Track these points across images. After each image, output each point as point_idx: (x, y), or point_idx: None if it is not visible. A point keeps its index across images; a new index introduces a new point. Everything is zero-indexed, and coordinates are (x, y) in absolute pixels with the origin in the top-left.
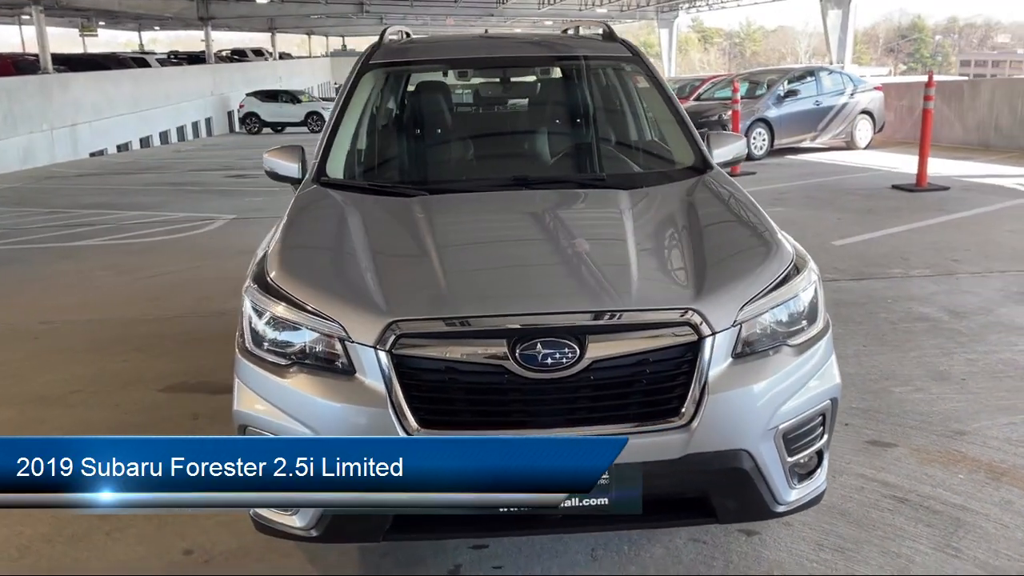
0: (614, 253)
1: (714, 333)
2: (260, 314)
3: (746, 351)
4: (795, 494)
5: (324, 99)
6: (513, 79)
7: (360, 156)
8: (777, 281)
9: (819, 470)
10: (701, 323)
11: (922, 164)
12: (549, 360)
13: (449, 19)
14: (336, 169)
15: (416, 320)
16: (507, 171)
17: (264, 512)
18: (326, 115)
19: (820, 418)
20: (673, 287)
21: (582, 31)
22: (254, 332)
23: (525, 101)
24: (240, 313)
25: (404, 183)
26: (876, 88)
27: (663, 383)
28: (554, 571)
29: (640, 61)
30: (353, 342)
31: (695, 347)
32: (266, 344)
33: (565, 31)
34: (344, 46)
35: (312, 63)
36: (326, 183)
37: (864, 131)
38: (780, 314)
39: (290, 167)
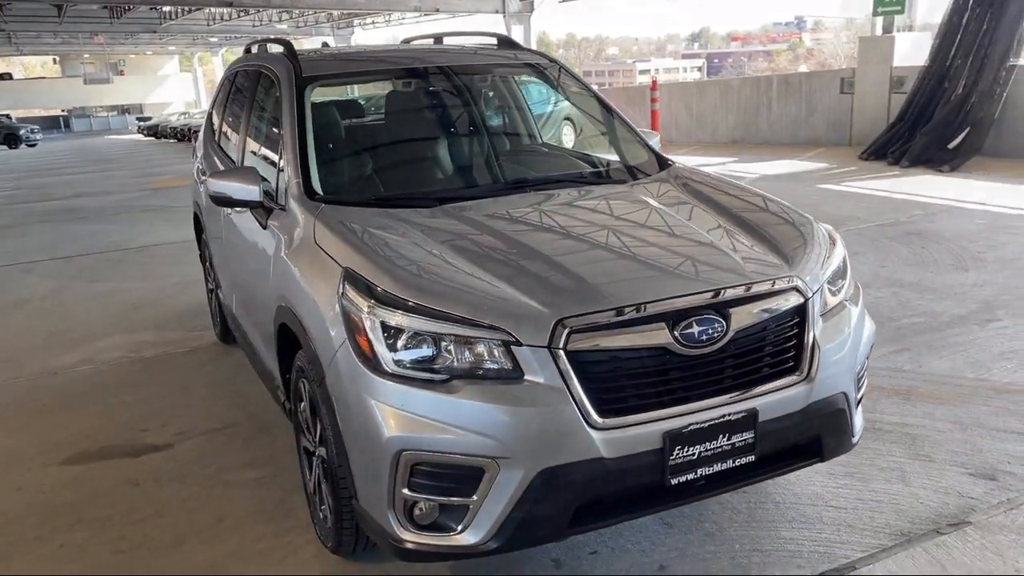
0: (696, 237)
1: (811, 296)
2: (397, 331)
3: (825, 309)
4: (859, 425)
5: None
6: (454, 86)
7: (341, 171)
8: (829, 249)
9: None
10: (804, 288)
11: None
12: (704, 336)
13: (98, 37)
14: (318, 187)
15: (583, 315)
16: (498, 175)
17: (416, 537)
18: None
19: (867, 358)
20: (769, 260)
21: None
22: (392, 350)
23: (474, 109)
24: (348, 334)
25: (410, 194)
26: None
27: (785, 344)
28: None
29: (564, 68)
30: (522, 345)
31: (803, 310)
32: (409, 361)
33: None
34: None
35: None
36: (324, 200)
37: (568, 134)
38: (836, 275)
39: (248, 190)
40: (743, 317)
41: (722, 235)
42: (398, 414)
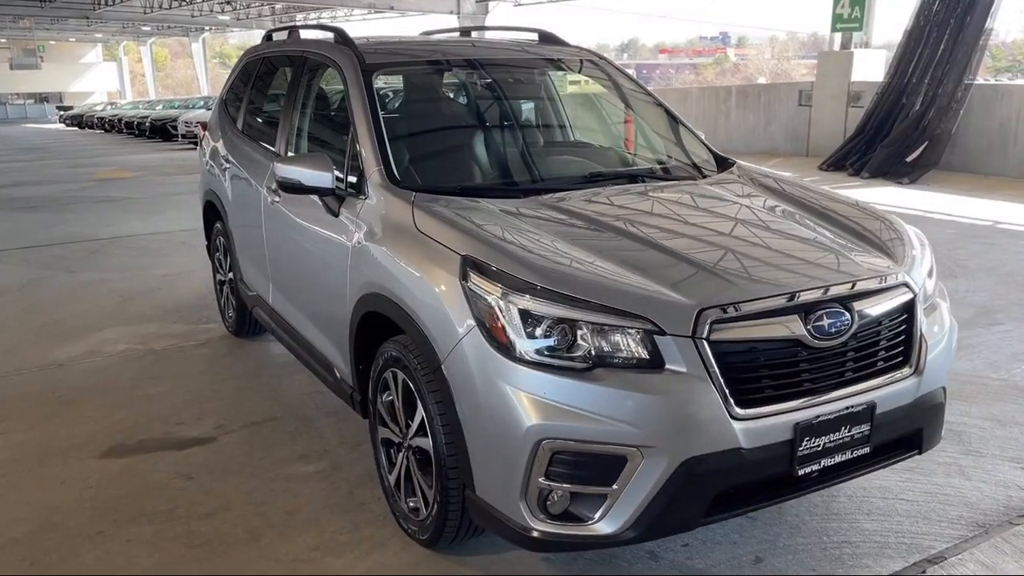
0: (801, 232)
1: (918, 291)
2: (536, 318)
3: (925, 305)
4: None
5: None
6: (516, 79)
7: (419, 160)
8: (921, 246)
9: None
10: (912, 284)
11: None
12: (832, 329)
13: (24, 20)
14: (400, 176)
15: (725, 305)
16: (570, 168)
17: (547, 527)
18: None
19: None
20: (877, 256)
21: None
22: (530, 337)
23: (540, 103)
24: (477, 321)
25: (492, 183)
26: None
27: (898, 337)
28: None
29: (616, 66)
30: (665, 335)
31: (911, 305)
32: (548, 349)
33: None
34: None
35: None
36: (408, 188)
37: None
38: (929, 272)
39: (322, 176)
40: (865, 311)
41: (825, 231)
42: (539, 401)
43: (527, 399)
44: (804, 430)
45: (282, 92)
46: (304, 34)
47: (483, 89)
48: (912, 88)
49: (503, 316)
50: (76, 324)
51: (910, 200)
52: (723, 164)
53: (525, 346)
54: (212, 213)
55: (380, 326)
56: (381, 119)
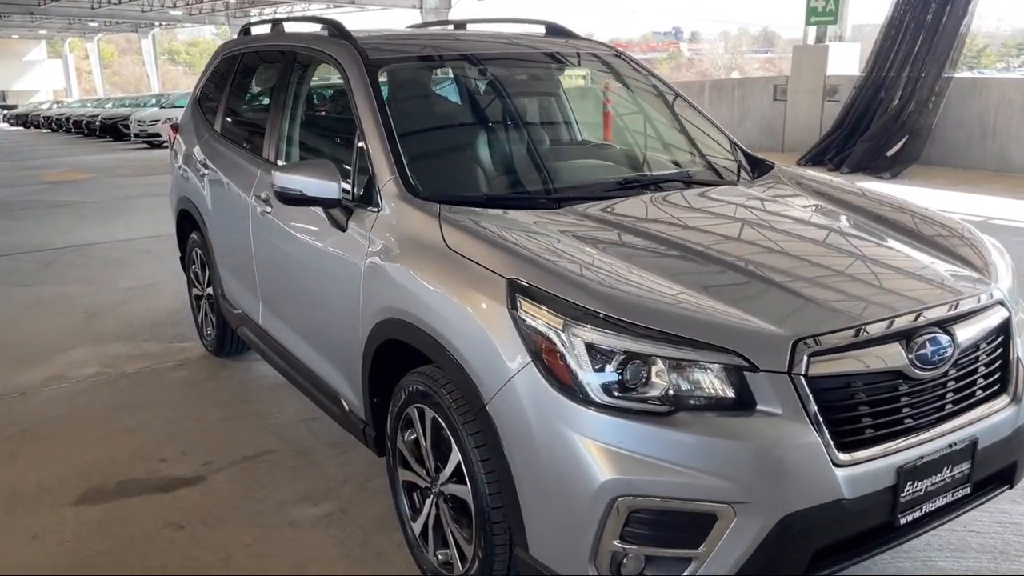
0: (882, 246)
1: (1014, 309)
2: (606, 354)
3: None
4: None
5: None
6: (533, 75)
7: (437, 167)
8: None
9: None
10: (1007, 301)
11: None
12: (936, 356)
13: None
14: (418, 185)
15: (824, 335)
16: (601, 172)
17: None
18: None
19: None
20: (968, 270)
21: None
22: (600, 375)
23: (560, 101)
24: (533, 355)
25: (523, 192)
26: None
27: (995, 362)
28: None
29: (637, 62)
30: (757, 371)
31: (1007, 325)
32: (622, 389)
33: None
34: None
35: None
36: (429, 199)
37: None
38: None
39: (327, 186)
40: (964, 334)
41: (907, 244)
42: (613, 452)
43: (599, 449)
44: (907, 473)
45: (267, 92)
46: (289, 28)
47: (499, 86)
48: (891, 82)
49: (566, 351)
50: (37, 345)
51: (894, 194)
52: (758, 166)
53: (595, 386)
54: (187, 222)
55: (400, 355)
56: (392, 121)
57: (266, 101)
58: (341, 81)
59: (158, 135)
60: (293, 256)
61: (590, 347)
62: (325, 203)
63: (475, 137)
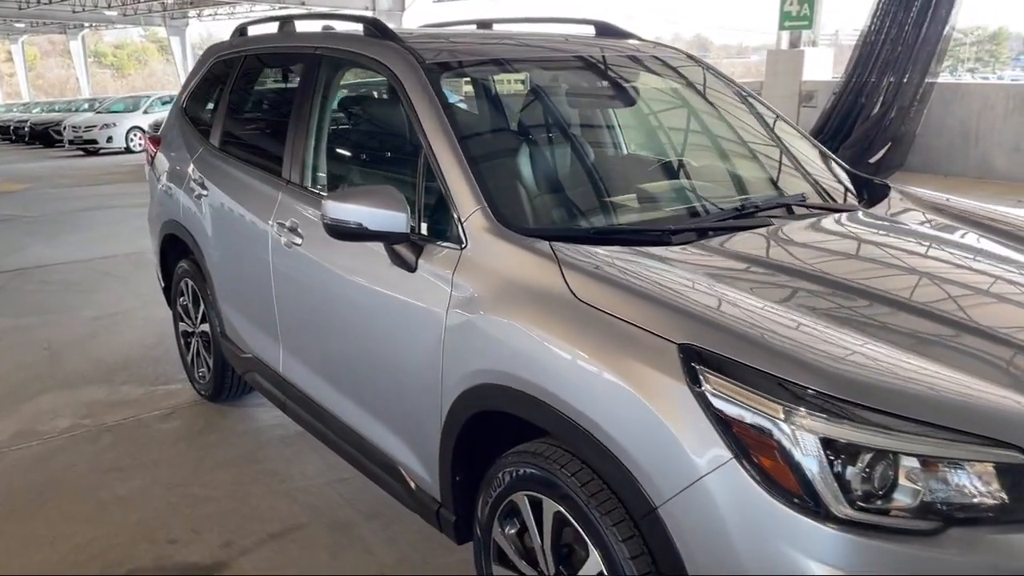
0: None
1: None
2: (851, 452)
3: None
4: None
5: None
6: (616, 82)
7: (529, 194)
8: None
9: None
10: None
11: None
12: None
13: None
14: (511, 216)
15: None
16: (710, 196)
17: None
18: None
19: None
20: None
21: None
22: (841, 481)
23: (650, 114)
24: (737, 451)
25: (638, 223)
26: None
27: None
28: None
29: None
30: None
31: None
32: (873, 500)
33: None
34: None
35: None
36: (530, 233)
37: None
38: None
39: (393, 218)
40: None
41: None
42: None
43: None
44: None
45: (284, 101)
46: (289, 28)
47: (581, 96)
48: (871, 88)
49: (792, 448)
50: None
51: None
52: (868, 185)
53: (836, 496)
54: (174, 249)
55: (497, 426)
56: (468, 139)
57: (282, 112)
58: (379, 88)
59: (94, 141)
60: (335, 299)
61: (826, 443)
62: (391, 238)
63: (566, 157)
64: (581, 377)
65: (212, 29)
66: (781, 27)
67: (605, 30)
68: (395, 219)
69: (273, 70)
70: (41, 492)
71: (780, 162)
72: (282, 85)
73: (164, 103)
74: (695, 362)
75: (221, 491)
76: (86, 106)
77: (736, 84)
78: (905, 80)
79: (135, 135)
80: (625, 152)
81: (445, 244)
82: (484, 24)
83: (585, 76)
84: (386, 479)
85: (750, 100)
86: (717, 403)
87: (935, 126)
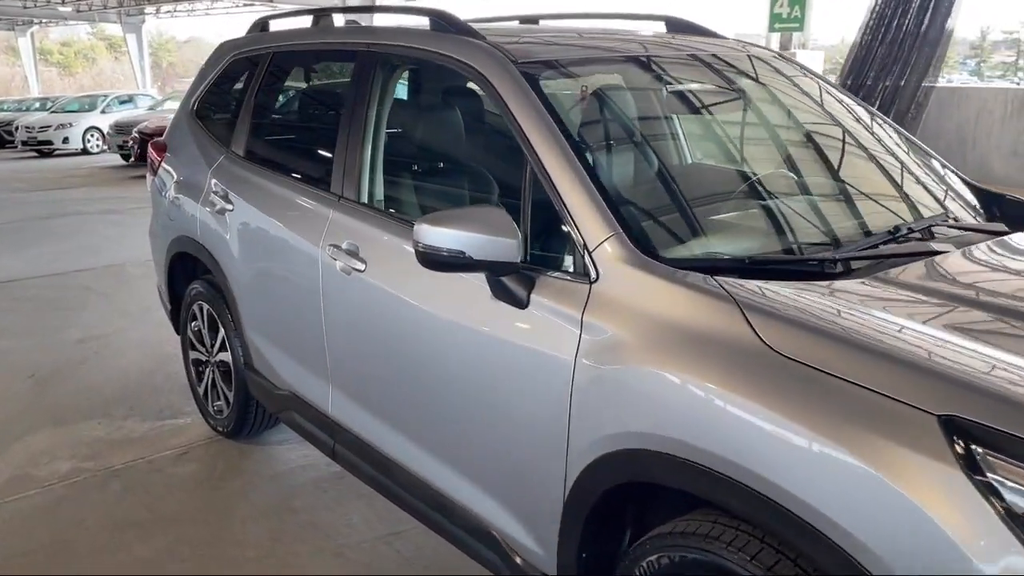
0: None
1: None
2: None
3: None
4: None
5: None
6: (734, 86)
7: (666, 215)
8: None
9: None
10: None
11: None
12: None
13: None
14: (652, 245)
15: None
16: (851, 217)
17: None
18: None
19: None
20: None
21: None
22: None
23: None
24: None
25: (790, 252)
26: None
27: None
28: None
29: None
30: None
31: None
32: None
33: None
34: None
35: None
36: (676, 265)
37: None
38: None
39: (504, 245)
40: None
41: None
42: None
43: None
44: None
45: (329, 105)
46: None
47: (698, 103)
48: (867, 91)
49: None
50: None
51: None
52: (1000, 201)
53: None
54: (184, 268)
55: (636, 497)
56: (589, 153)
57: (327, 118)
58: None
59: (49, 143)
60: (411, 336)
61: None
62: (498, 269)
63: (702, 173)
64: (781, 448)
65: (163, 27)
66: (771, 29)
67: (677, 26)
68: (505, 246)
69: (315, 70)
70: (51, 555)
71: (917, 178)
72: (324, 86)
73: (122, 102)
74: (970, 441)
75: (260, 550)
76: (37, 105)
77: (850, 95)
78: (902, 83)
79: (92, 135)
80: (758, 166)
81: (565, 277)
82: (529, 20)
83: (709, 78)
84: (475, 546)
85: (864, 110)
86: (1008, 496)
87: (932, 130)
